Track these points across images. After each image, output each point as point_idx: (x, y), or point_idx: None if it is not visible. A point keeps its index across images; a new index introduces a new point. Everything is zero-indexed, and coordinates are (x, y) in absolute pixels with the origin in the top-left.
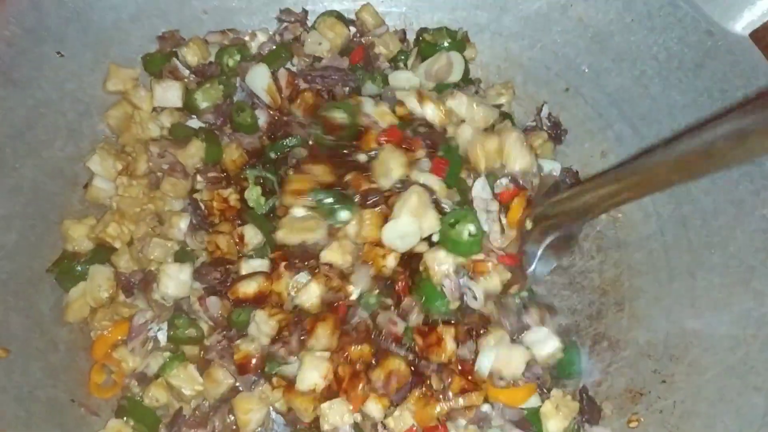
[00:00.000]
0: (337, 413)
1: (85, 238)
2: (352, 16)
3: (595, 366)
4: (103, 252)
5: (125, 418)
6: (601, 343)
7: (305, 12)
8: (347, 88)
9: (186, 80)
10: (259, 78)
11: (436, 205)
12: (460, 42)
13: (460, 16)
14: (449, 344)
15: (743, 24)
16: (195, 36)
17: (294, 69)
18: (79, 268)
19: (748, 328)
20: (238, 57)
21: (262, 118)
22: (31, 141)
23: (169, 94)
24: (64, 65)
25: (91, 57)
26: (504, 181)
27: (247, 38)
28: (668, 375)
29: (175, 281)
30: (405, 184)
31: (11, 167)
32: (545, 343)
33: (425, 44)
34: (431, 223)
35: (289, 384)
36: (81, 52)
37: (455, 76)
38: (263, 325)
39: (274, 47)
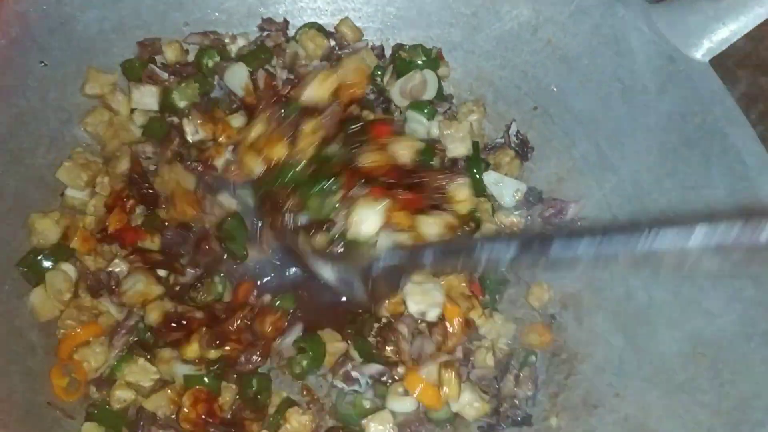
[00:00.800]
0: None
1: (50, 231)
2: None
3: (552, 377)
4: (65, 248)
5: (96, 423)
6: (560, 355)
7: (286, 22)
8: None
9: (165, 83)
10: (237, 76)
11: None
12: (434, 60)
13: (434, 34)
14: None
15: (703, 51)
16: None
17: (273, 71)
18: (45, 263)
19: (698, 347)
20: (217, 58)
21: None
22: (14, 149)
23: (147, 98)
24: (48, 75)
25: (74, 67)
26: None
27: (227, 40)
28: (622, 389)
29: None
30: None
31: None
32: None
33: (400, 61)
34: None
35: None
36: (64, 62)
37: (429, 93)
38: None
39: (254, 48)
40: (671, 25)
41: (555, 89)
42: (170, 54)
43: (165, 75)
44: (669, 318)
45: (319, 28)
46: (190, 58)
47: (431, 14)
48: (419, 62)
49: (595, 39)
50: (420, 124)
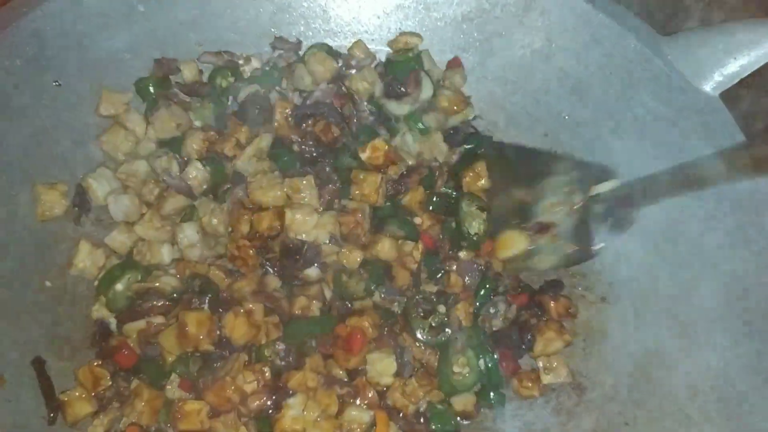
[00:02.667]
0: None
1: (56, 204)
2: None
3: (563, 405)
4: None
5: None
6: (570, 383)
7: (299, 41)
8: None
9: (184, 103)
10: None
11: None
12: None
13: (447, 59)
14: None
15: (714, 85)
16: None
17: (284, 93)
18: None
19: (707, 380)
20: (231, 78)
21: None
22: (28, 169)
23: (167, 125)
24: (61, 94)
25: (87, 86)
26: None
27: (241, 62)
28: (631, 419)
29: None
30: None
31: (7, 195)
32: None
33: (390, 65)
34: None
35: None
36: (78, 82)
37: (426, 92)
38: None
39: (267, 69)
40: (682, 58)
41: (566, 117)
42: (188, 73)
43: (184, 96)
44: (678, 350)
45: (329, 50)
46: (204, 77)
47: (444, 40)
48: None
49: (607, 69)
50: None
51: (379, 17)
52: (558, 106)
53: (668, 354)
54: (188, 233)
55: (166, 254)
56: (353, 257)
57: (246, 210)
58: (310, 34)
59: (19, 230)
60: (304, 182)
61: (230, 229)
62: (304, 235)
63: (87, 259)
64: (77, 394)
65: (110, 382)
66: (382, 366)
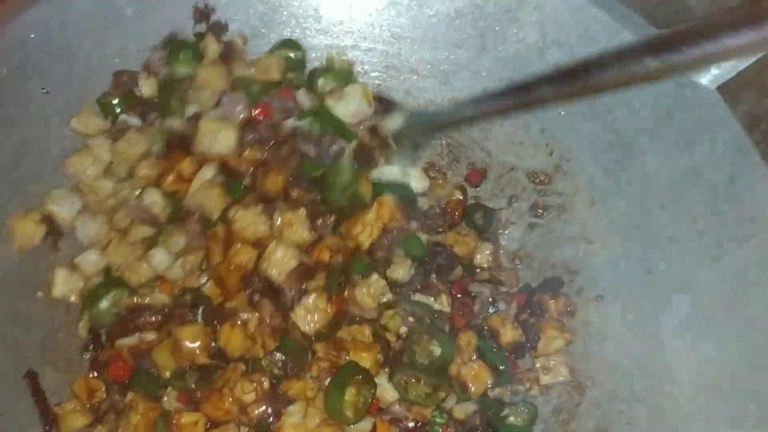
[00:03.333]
0: None
1: (33, 233)
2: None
3: (564, 404)
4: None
5: None
6: (572, 382)
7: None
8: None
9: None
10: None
11: None
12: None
13: (441, 55)
14: None
15: (711, 78)
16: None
17: None
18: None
19: (709, 377)
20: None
21: None
22: (17, 178)
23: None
24: (50, 102)
25: (76, 93)
26: None
27: None
28: (634, 417)
29: None
30: None
31: None
32: None
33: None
34: None
35: None
36: (66, 89)
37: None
38: None
39: None
40: None
41: (562, 112)
42: (147, 89)
43: (135, 121)
44: (680, 347)
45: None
46: None
47: (437, 35)
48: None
49: None
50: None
51: (371, 15)
52: None
53: (669, 351)
54: (159, 258)
55: (145, 271)
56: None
57: (218, 241)
58: (302, 33)
59: (9, 240)
60: (297, 215)
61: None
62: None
63: (64, 286)
64: (72, 406)
65: (105, 395)
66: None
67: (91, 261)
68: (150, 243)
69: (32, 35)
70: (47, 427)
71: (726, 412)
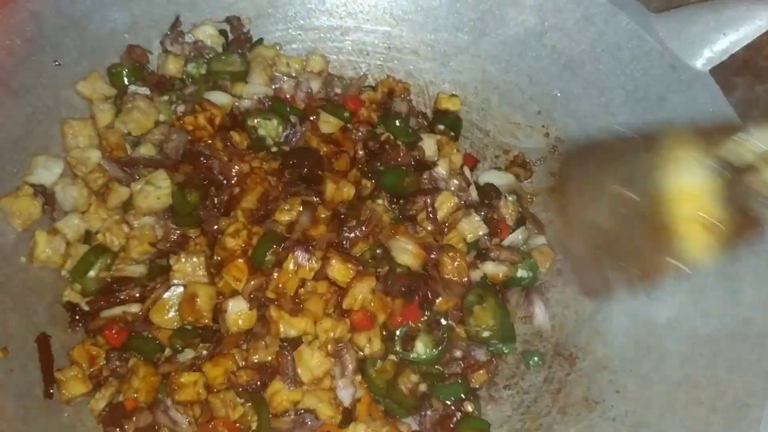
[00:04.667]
0: None
1: (31, 208)
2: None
3: (555, 374)
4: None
5: None
6: (562, 353)
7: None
8: None
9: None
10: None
11: None
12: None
13: (441, 37)
14: None
15: (704, 61)
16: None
17: None
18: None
19: (696, 347)
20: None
21: None
22: (29, 147)
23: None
24: (61, 73)
25: (87, 65)
26: None
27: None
28: (622, 386)
29: None
30: None
31: (10, 173)
32: None
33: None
34: None
35: None
36: (77, 61)
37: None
38: None
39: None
40: (673, 34)
41: (559, 94)
42: (171, 67)
43: (145, 91)
44: (668, 318)
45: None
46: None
47: (438, 18)
48: None
49: (599, 46)
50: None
51: None
52: (550, 83)
53: (658, 322)
54: (144, 221)
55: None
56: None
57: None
58: (306, 14)
59: None
60: None
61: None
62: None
63: (47, 249)
64: (72, 373)
65: (105, 361)
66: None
67: (73, 224)
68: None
69: (45, 9)
70: (51, 390)
71: (713, 380)
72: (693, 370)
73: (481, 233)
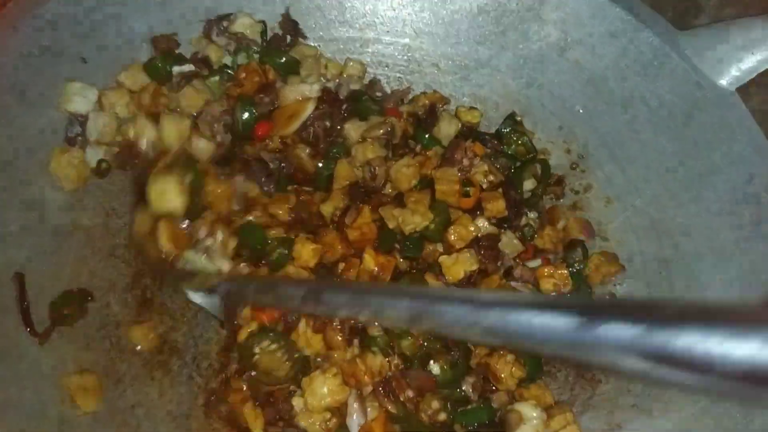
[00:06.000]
0: None
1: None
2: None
3: (577, 397)
4: None
5: None
6: (585, 375)
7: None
8: None
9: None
10: None
11: None
12: None
13: (462, 51)
14: None
15: (730, 79)
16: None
17: None
18: None
19: None
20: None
21: None
22: (43, 158)
23: (194, 101)
24: (78, 80)
25: (102, 75)
26: None
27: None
28: (646, 410)
29: None
30: None
31: (24, 182)
32: None
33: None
34: None
35: None
36: (94, 70)
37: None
38: None
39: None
40: (699, 52)
41: (581, 110)
42: (213, 55)
43: (190, 67)
44: None
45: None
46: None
47: (460, 32)
48: None
49: (623, 62)
50: None
51: (394, 9)
52: (573, 99)
53: None
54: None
55: None
56: None
57: None
58: (326, 24)
59: (35, 218)
60: None
61: None
62: None
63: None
64: None
65: None
66: None
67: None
68: None
69: (61, 18)
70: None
71: (740, 408)
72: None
73: (515, 252)
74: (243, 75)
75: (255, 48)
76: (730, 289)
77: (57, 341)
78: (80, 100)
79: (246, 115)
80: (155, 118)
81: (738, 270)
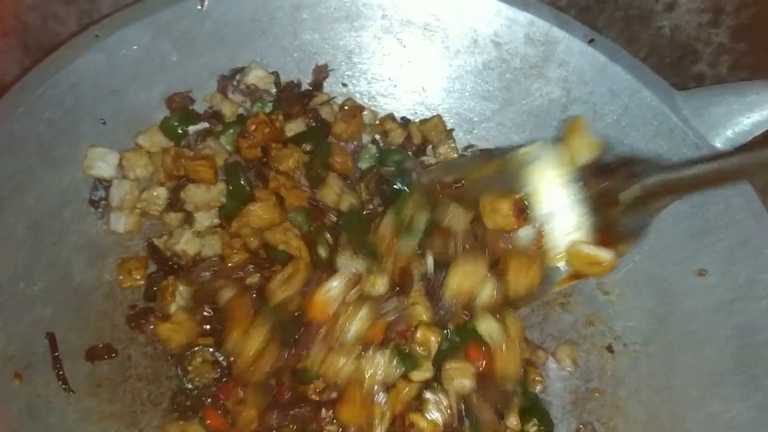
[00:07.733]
0: None
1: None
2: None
3: None
4: None
5: None
6: (586, 426)
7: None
8: None
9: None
10: None
11: None
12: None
13: (468, 105)
14: None
15: (725, 141)
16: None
17: None
18: None
19: (717, 430)
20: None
21: None
22: (66, 217)
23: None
24: (98, 143)
25: (122, 133)
26: None
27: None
28: None
29: None
30: None
31: (49, 243)
32: None
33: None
34: None
35: None
36: (113, 130)
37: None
38: None
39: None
40: (697, 114)
41: None
42: (227, 110)
43: (204, 125)
44: (689, 399)
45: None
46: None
47: (466, 86)
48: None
49: (623, 120)
50: None
51: (401, 66)
52: None
53: (679, 402)
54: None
55: None
56: None
57: None
58: (333, 75)
59: (59, 277)
60: None
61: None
62: None
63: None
64: None
65: None
66: None
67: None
68: None
69: (83, 82)
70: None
71: None
72: None
73: None
74: (253, 127)
75: (269, 99)
76: (723, 348)
77: (82, 394)
78: (103, 165)
79: None
80: (180, 185)
81: (732, 330)
